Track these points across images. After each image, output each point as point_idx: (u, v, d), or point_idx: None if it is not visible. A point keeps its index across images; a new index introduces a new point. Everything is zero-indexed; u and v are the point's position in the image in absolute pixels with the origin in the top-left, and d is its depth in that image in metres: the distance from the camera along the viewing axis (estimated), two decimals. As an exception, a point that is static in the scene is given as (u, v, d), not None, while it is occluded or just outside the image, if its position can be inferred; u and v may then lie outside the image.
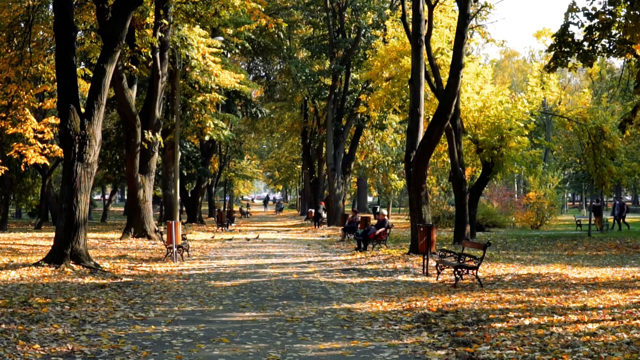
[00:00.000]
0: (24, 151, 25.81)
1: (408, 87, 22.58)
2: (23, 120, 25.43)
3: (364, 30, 37.76)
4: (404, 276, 15.16)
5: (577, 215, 40.74)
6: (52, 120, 26.01)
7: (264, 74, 51.97)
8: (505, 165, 26.03)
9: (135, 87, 27.29)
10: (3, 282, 13.03)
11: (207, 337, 8.66)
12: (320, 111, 44.14)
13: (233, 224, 39.91)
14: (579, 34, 17.56)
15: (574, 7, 17.07)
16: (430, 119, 21.68)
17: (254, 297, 12.13)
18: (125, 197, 59.55)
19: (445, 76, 22.21)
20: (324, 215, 38.83)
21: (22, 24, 24.39)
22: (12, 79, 24.02)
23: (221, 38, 30.12)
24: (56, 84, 17.01)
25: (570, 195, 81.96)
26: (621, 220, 33.73)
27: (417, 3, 20.28)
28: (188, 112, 33.99)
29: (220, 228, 35.15)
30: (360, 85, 39.45)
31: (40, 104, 29.45)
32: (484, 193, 38.98)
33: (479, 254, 14.39)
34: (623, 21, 16.54)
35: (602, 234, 29.75)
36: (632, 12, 16.13)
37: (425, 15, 20.90)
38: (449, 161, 24.82)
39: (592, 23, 16.60)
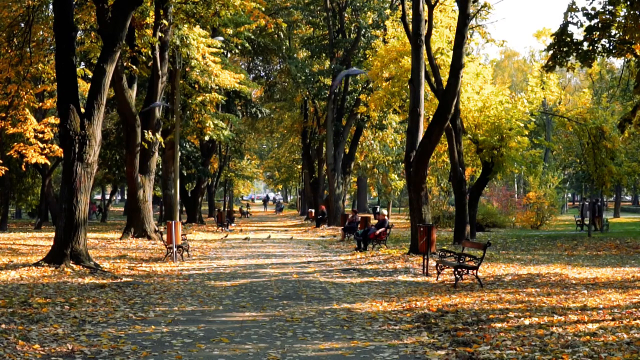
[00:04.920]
0: (24, 151, 25.86)
1: (408, 87, 22.57)
2: (23, 120, 25.49)
3: (364, 30, 37.75)
4: (404, 276, 15.16)
5: (577, 215, 40.68)
6: (52, 120, 26.04)
7: (264, 74, 51.98)
8: (505, 165, 26.03)
9: (135, 87, 27.29)
10: (3, 282, 13.03)
11: (207, 337, 8.66)
12: (320, 111, 44.14)
13: (233, 224, 39.92)
14: (578, 34, 17.58)
15: (574, 7, 17.04)
16: (430, 119, 21.68)
17: (254, 297, 12.13)
18: (125, 197, 59.55)
19: (445, 76, 22.20)
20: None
21: (22, 24, 24.39)
22: (12, 79, 24.04)
23: (221, 38, 30.11)
24: (56, 84, 17.01)
25: (570, 195, 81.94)
26: (593, 221, 31.93)
27: (417, 3, 20.27)
28: (188, 112, 33.99)
29: (220, 228, 35.18)
30: (360, 85, 39.44)
31: (40, 104, 29.47)
32: (484, 193, 38.96)
33: (479, 254, 14.38)
34: (623, 21, 16.52)
35: (602, 233, 29.74)
36: (632, 12, 16.12)
37: (425, 15, 20.90)
38: (449, 161, 24.82)
39: (592, 23, 16.57)
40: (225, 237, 29.76)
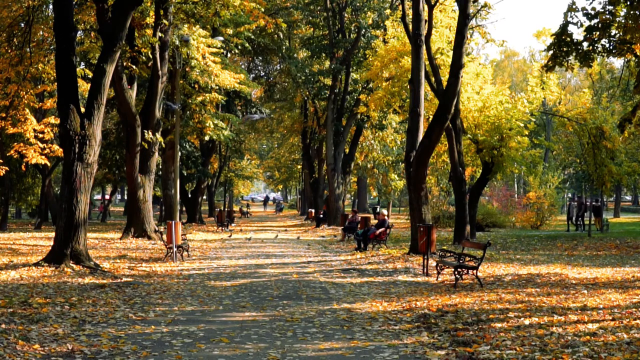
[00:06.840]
0: (24, 151, 25.85)
1: (408, 87, 22.57)
2: (23, 120, 25.47)
3: (364, 30, 37.75)
4: (404, 276, 15.16)
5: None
6: (52, 120, 26.03)
7: (264, 74, 51.96)
8: (505, 165, 26.02)
9: (135, 87, 27.27)
10: (3, 282, 13.03)
11: (207, 337, 8.66)
12: (320, 111, 44.14)
13: (233, 224, 39.93)
14: (578, 34, 17.57)
15: (574, 7, 17.05)
16: (430, 119, 21.68)
17: (254, 297, 12.13)
18: (125, 197, 59.57)
19: (445, 76, 22.20)
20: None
21: (22, 24, 24.39)
22: (12, 79, 24.04)
23: (221, 38, 30.09)
24: (56, 84, 17.01)
25: (570, 195, 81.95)
26: (581, 221, 31.84)
27: (417, 3, 20.28)
28: (188, 112, 33.99)
29: (220, 228, 35.21)
30: (360, 85, 39.44)
31: (40, 104, 29.46)
32: (484, 193, 38.96)
33: (479, 254, 14.39)
34: (623, 21, 16.52)
35: (602, 233, 29.74)
36: (632, 12, 16.12)
37: (425, 15, 20.90)
38: (449, 161, 24.83)
39: (592, 23, 16.57)
40: (229, 236, 29.90)
